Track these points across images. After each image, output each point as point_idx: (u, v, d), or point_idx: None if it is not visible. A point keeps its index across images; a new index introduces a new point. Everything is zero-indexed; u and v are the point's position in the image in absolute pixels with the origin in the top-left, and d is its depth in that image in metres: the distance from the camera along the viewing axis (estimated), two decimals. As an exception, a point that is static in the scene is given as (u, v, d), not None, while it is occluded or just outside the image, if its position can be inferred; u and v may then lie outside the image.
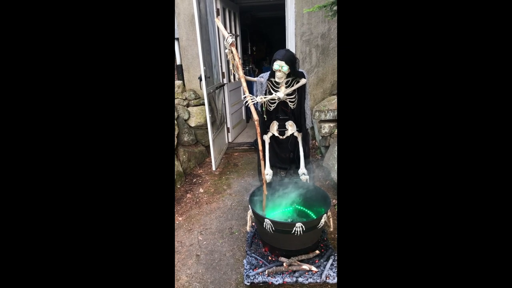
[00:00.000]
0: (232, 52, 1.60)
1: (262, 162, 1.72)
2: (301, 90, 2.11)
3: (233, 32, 3.77)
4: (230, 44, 1.57)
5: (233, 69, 1.82)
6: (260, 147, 1.71)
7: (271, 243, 1.75)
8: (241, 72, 1.63)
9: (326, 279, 1.57)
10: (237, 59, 1.60)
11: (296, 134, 2.26)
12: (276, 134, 2.26)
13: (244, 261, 1.74)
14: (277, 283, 1.57)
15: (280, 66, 1.86)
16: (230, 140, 3.85)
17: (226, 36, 1.57)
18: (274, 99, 2.05)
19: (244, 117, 4.46)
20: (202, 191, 2.78)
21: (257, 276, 1.59)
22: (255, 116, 1.64)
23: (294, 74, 1.98)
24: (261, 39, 6.54)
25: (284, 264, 1.62)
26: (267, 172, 2.20)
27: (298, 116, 2.20)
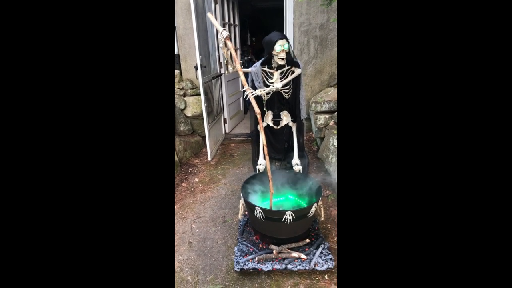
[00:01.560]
0: (226, 46, 1.59)
1: (267, 158, 1.72)
2: (296, 80, 2.10)
3: (232, 21, 3.73)
4: (225, 37, 1.56)
5: (227, 63, 1.81)
6: (265, 142, 1.70)
7: (262, 231, 1.77)
8: (238, 65, 1.62)
9: (315, 266, 1.59)
10: (233, 52, 1.59)
11: (290, 124, 2.26)
12: (271, 124, 2.26)
13: (235, 248, 1.76)
14: (266, 269, 1.59)
15: (282, 46, 1.86)
16: (227, 131, 3.85)
17: (220, 30, 1.56)
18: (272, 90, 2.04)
19: (242, 108, 4.45)
20: (197, 180, 2.79)
21: (247, 263, 1.62)
22: (257, 109, 1.65)
23: (291, 61, 1.98)
24: (261, 30, 6.47)
25: (274, 251, 1.64)
26: (260, 162, 2.21)
27: (293, 106, 2.20)
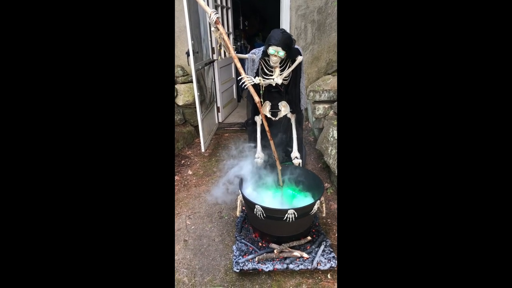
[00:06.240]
0: (218, 30, 1.42)
1: (272, 143, 1.65)
2: (297, 68, 1.97)
3: (224, 4, 3.51)
4: (215, 21, 1.38)
5: (223, 48, 1.66)
6: (267, 128, 1.62)
7: (262, 229, 1.69)
8: (232, 51, 1.47)
9: (317, 265, 1.53)
10: (225, 37, 1.43)
11: (289, 115, 2.15)
12: (269, 116, 2.14)
13: (234, 247, 1.68)
14: (267, 270, 1.52)
15: (276, 52, 1.72)
16: (220, 120, 3.71)
17: (208, 12, 1.37)
18: (268, 78, 1.91)
19: (235, 96, 4.30)
20: (190, 173, 2.68)
21: (246, 263, 1.54)
22: (256, 98, 1.53)
23: (290, 55, 1.84)
24: (254, 13, 6.20)
25: (275, 251, 1.57)
26: (258, 156, 2.11)
27: (293, 96, 2.08)
